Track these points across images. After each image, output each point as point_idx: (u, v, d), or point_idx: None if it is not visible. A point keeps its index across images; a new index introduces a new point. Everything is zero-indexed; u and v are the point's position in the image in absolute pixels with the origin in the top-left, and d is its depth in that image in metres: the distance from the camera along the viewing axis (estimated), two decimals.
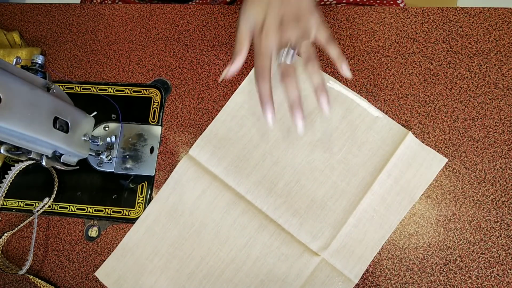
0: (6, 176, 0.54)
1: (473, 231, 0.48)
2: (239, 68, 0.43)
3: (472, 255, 0.47)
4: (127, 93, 0.58)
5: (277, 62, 0.42)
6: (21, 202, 0.56)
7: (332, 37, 0.44)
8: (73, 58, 0.61)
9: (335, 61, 0.43)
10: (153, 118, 0.57)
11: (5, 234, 0.54)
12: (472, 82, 0.52)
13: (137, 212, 0.54)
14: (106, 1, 0.72)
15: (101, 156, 0.53)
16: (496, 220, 0.48)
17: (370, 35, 0.56)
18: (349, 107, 0.52)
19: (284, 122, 0.53)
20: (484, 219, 0.48)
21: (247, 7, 0.44)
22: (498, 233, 0.48)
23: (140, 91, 0.58)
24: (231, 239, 0.51)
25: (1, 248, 0.54)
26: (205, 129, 0.55)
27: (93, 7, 0.63)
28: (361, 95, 0.54)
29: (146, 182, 0.54)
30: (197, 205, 0.52)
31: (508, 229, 0.47)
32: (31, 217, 0.54)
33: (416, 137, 0.51)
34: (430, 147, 0.51)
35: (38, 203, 0.55)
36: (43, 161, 0.44)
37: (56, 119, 0.44)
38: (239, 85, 0.55)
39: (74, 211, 0.55)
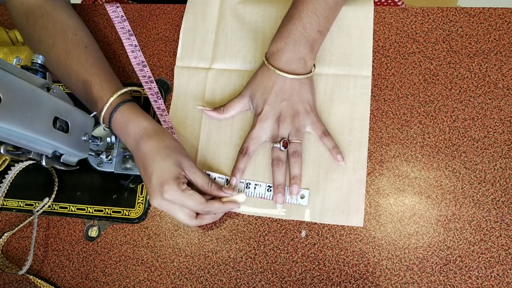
0: (6, 176, 0.54)
1: (473, 231, 0.48)
2: (215, 119, 0.54)
3: (472, 255, 0.47)
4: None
5: (273, 146, 0.50)
6: (21, 202, 0.56)
7: (327, 131, 0.51)
8: None
9: (330, 151, 0.51)
10: (153, 118, 0.57)
11: (5, 234, 0.54)
12: (472, 82, 0.52)
13: (137, 212, 0.54)
14: (98, 1, 0.72)
15: (101, 156, 0.53)
16: (496, 220, 0.48)
17: None
18: None
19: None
20: (484, 219, 0.48)
21: (253, 93, 0.51)
22: (498, 233, 0.47)
23: (140, 91, 0.58)
24: None
25: (1, 248, 0.54)
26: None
27: (93, 7, 0.63)
28: None
29: None
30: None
31: (508, 229, 0.47)
32: (31, 217, 0.54)
33: (416, 137, 0.51)
34: (430, 147, 0.51)
35: (38, 203, 0.55)
36: (43, 161, 0.44)
37: (56, 119, 0.44)
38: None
39: (74, 211, 0.55)
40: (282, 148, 0.50)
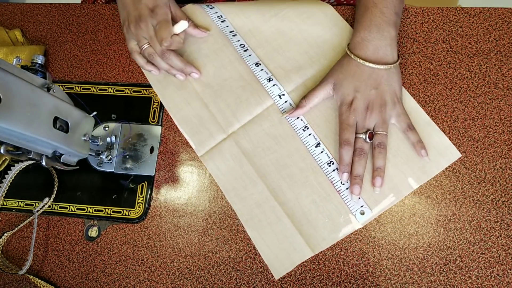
0: (6, 176, 0.54)
1: (473, 231, 0.48)
2: (303, 114, 0.53)
3: (472, 255, 0.47)
4: (127, 93, 0.58)
5: (357, 136, 0.49)
6: (21, 202, 0.56)
7: (412, 125, 0.50)
8: (73, 58, 0.61)
9: (415, 146, 0.50)
10: (153, 118, 0.57)
11: (5, 234, 0.54)
12: (472, 82, 0.52)
13: (137, 212, 0.54)
14: (98, 1, 0.72)
15: (101, 156, 0.53)
16: (496, 220, 0.48)
17: None
18: None
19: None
20: (484, 219, 0.48)
21: (340, 81, 0.50)
22: (498, 233, 0.48)
23: (140, 91, 0.58)
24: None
25: (1, 248, 0.54)
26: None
27: (93, 7, 0.63)
28: None
29: (146, 182, 0.54)
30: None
31: (508, 229, 0.47)
32: (31, 217, 0.54)
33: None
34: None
35: (38, 203, 0.55)
36: (43, 161, 0.44)
37: (56, 119, 0.44)
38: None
39: (74, 211, 0.55)
40: (368, 140, 0.49)
